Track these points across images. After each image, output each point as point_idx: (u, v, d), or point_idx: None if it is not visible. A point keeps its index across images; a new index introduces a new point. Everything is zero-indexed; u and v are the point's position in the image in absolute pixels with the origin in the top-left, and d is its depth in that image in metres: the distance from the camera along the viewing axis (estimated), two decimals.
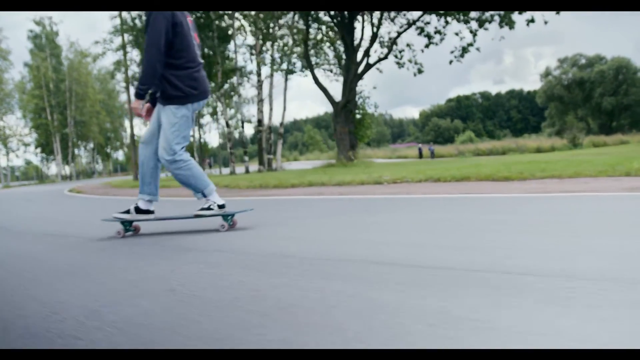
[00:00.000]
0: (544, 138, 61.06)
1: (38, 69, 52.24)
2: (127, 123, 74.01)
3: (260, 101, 23.16)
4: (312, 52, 21.32)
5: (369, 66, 18.05)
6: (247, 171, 23.53)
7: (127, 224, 4.08)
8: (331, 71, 22.53)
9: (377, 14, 17.46)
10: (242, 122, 23.88)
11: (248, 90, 33.43)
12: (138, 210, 4.05)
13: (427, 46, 18.11)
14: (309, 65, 19.03)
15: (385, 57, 18.04)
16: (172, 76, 3.74)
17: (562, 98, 68.05)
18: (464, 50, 17.05)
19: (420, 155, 45.54)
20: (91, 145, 63.06)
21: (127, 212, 4.04)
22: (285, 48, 21.41)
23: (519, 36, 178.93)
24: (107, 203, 10.62)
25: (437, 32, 17.88)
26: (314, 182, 10.04)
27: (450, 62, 17.55)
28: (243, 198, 8.82)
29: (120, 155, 72.40)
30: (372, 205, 5.69)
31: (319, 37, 20.77)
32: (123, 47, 24.13)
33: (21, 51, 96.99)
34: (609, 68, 64.91)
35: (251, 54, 24.28)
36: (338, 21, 18.32)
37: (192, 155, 23.73)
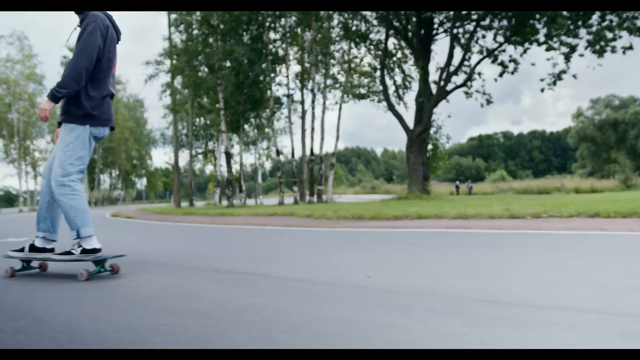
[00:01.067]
0: (577, 179, 59.65)
1: None
2: (153, 150, 74.17)
3: (312, 129, 22.26)
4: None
5: (445, 93, 17.02)
6: (296, 202, 22.45)
7: (25, 263, 3.82)
8: (400, 97, 21.52)
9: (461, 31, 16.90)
10: (292, 150, 22.88)
11: (281, 120, 32.82)
12: (33, 248, 3.79)
13: (501, 75, 17.11)
14: (384, 90, 18.07)
15: (464, 84, 17.01)
16: (82, 93, 3.53)
17: (595, 139, 66.80)
18: (558, 77, 15.99)
19: (457, 193, 44.32)
20: (116, 171, 62.69)
21: (22, 250, 3.80)
22: (355, 71, 20.41)
23: (538, 77, 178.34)
24: (183, 230, 9.61)
25: (512, 60, 16.90)
26: (423, 214, 8.87)
27: (542, 90, 16.47)
28: (361, 229, 7.69)
29: (142, 183, 71.98)
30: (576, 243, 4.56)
31: (395, 58, 19.86)
32: (172, 71, 23.49)
33: (54, 77, 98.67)
34: None
35: (302, 79, 23.53)
36: (415, 43, 17.42)
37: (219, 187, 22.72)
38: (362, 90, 24.65)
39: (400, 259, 4.00)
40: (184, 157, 48.66)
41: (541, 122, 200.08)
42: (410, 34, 18.10)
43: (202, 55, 21.62)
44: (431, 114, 16.96)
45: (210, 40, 21.74)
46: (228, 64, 21.45)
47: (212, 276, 3.37)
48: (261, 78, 22.54)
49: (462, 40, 17.36)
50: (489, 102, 17.86)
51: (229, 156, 22.61)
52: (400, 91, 21.49)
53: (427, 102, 16.87)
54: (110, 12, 3.79)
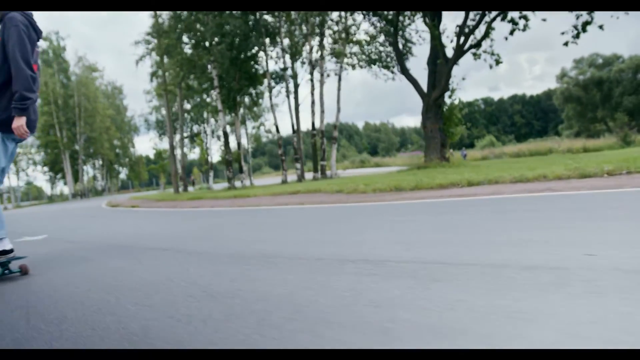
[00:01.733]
0: (566, 140, 59.75)
1: (46, 85, 50.36)
2: (135, 138, 71.61)
3: (312, 102, 21.32)
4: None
5: (462, 52, 16.10)
6: (299, 179, 21.65)
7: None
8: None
9: None
10: (293, 126, 21.91)
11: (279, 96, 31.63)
12: None
13: (511, 33, 16.27)
14: (397, 55, 17.06)
15: (479, 44, 16.10)
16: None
17: (580, 99, 66.68)
18: (583, 28, 15.17)
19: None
20: (99, 162, 61.04)
21: None
22: (367, 39, 19.28)
23: (512, 43, 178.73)
24: (187, 215, 8.84)
25: (523, 16, 16.06)
26: (473, 181, 8.16)
27: (566, 43, 15.64)
28: (414, 201, 6.98)
29: (125, 172, 70.28)
30: None
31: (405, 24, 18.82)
32: (164, 49, 22.25)
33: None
34: (628, 67, 63.64)
35: (293, 52, 22.49)
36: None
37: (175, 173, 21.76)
38: (355, 59, 23.60)
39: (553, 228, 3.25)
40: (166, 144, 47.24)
41: (518, 86, 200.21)
42: None
43: (192, 32, 20.44)
44: (449, 76, 16.09)
45: (200, 15, 20.56)
46: (218, 39, 20.34)
47: (367, 269, 2.60)
48: (254, 52, 21.51)
49: None
50: (497, 62, 17.09)
51: (226, 136, 21.62)
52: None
53: (445, 63, 16.00)
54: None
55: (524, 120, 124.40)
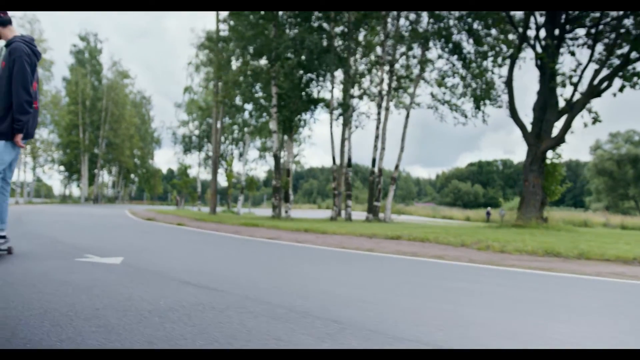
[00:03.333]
0: (594, 213, 57.92)
1: (77, 84, 49.24)
2: (156, 150, 70.11)
3: (376, 137, 19.54)
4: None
5: (589, 98, 14.15)
6: (349, 218, 19.73)
7: None
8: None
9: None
10: (350, 159, 20.10)
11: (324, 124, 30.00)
12: None
13: (621, 90, 14.49)
14: (510, 95, 15.16)
15: (609, 85, 14.17)
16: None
17: (612, 174, 65.08)
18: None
19: (488, 220, 41.72)
20: (116, 169, 59.42)
21: None
22: (483, 67, 17.52)
23: (523, 103, 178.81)
24: (286, 250, 7.00)
25: (636, 74, 14.31)
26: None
27: (622, 88, 13.87)
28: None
29: (137, 183, 68.49)
30: None
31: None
32: (218, 60, 20.66)
33: (62, 64, 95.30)
34: None
35: (353, 82, 20.90)
36: (548, 42, 14.66)
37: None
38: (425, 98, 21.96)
39: None
40: (190, 160, 45.59)
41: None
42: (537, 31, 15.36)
43: (257, 42, 18.83)
44: (569, 125, 14.19)
45: (267, 28, 19.02)
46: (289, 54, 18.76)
47: None
48: (321, 74, 19.92)
49: (605, 40, 14.75)
50: (595, 120, 15.31)
51: (277, 160, 19.79)
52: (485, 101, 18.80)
53: (569, 109, 14.14)
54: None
55: None
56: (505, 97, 17.74)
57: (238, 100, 27.33)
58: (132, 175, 63.77)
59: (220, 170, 45.78)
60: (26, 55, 4.23)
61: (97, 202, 52.83)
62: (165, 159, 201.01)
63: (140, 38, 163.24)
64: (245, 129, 31.60)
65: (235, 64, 22.73)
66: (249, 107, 28.85)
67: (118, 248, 5.72)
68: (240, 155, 40.48)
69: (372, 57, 20.86)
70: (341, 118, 20.33)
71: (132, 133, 54.95)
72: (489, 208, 47.49)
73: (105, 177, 60.44)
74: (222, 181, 40.23)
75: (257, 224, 13.26)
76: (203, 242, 7.81)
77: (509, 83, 15.32)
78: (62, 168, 53.54)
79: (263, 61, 20.18)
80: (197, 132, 44.91)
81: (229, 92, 22.37)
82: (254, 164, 42.15)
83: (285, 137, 22.46)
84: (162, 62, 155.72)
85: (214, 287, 3.23)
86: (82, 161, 50.56)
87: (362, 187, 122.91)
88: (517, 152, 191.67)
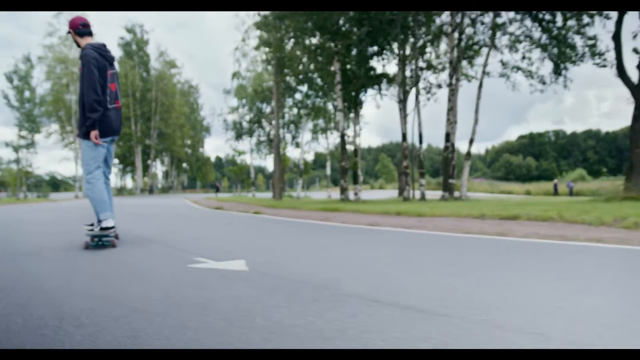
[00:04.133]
0: None
1: (126, 76, 49.48)
2: (208, 139, 70.27)
3: (449, 110, 18.28)
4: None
5: None
6: (422, 198, 18.66)
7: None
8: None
9: None
10: (420, 136, 18.94)
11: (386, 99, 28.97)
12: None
13: None
14: (618, 52, 13.62)
15: None
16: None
17: None
18: None
19: (556, 192, 39.75)
20: (168, 159, 59.86)
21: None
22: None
23: (581, 77, 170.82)
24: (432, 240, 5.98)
25: None
26: None
27: None
28: None
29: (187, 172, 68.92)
30: None
31: None
32: (275, 35, 19.66)
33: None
34: None
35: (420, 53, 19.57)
36: None
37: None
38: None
39: None
40: (242, 146, 45.17)
41: (584, 122, 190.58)
42: None
43: (317, 18, 17.75)
44: None
45: None
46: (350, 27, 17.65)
47: None
48: (386, 48, 18.75)
49: None
50: None
51: (344, 139, 18.83)
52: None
53: None
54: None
55: (597, 156, 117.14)
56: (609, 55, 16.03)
57: (291, 81, 26.49)
58: (184, 165, 64.12)
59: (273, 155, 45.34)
60: (93, 59, 4.62)
61: (152, 193, 53.39)
62: (212, 146, 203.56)
63: (181, 29, 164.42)
64: (302, 111, 30.70)
65: (289, 44, 21.84)
66: (302, 88, 28.03)
67: (225, 247, 4.86)
68: (293, 138, 39.75)
69: (437, 23, 19.43)
70: (401, 94, 19.11)
71: (182, 122, 55.07)
72: (555, 180, 45.16)
73: (159, 167, 61.05)
74: (270, 166, 39.66)
75: (338, 209, 12.32)
76: (311, 234, 6.92)
77: (616, 37, 13.72)
78: (116, 160, 54.26)
79: (316, 40, 19.08)
80: (247, 117, 44.33)
81: (294, 69, 21.41)
82: (307, 146, 41.33)
83: (352, 114, 21.46)
84: (203, 51, 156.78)
85: (427, 309, 2.28)
86: (135, 153, 51.04)
87: (412, 166, 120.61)
88: (566, 122, 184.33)
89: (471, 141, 19.02)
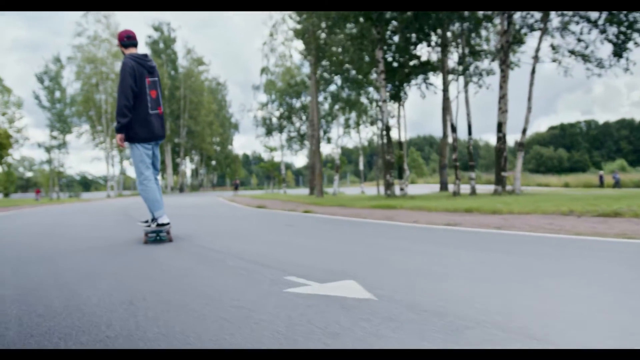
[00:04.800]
0: None
1: None
2: (235, 136, 69.64)
3: (502, 98, 17.18)
4: None
5: None
6: (473, 192, 17.64)
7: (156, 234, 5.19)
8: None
9: None
10: (469, 126, 17.90)
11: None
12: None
13: None
14: None
15: None
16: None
17: None
18: None
19: (602, 184, 38.11)
20: (198, 157, 59.56)
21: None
22: None
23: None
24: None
25: None
26: None
27: None
28: None
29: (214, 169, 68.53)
30: None
31: None
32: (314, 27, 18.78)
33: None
34: None
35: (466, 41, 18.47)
36: None
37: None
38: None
39: None
40: (273, 141, 44.45)
41: (614, 112, 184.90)
42: None
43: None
44: None
45: None
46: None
47: None
48: (430, 34, 17.73)
49: None
50: None
51: (388, 131, 17.88)
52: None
53: None
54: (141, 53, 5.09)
55: (631, 146, 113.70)
56: None
57: (326, 74, 25.64)
58: (213, 162, 63.80)
59: (305, 151, 44.55)
60: (129, 67, 4.87)
61: (182, 191, 53.18)
62: (239, 143, 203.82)
63: (204, 28, 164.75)
64: (336, 106, 29.79)
65: (324, 34, 21.02)
66: (337, 81, 27.14)
67: (311, 260, 3.82)
68: (324, 133, 38.84)
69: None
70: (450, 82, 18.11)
71: (211, 120, 54.67)
72: (601, 172, 43.27)
73: (189, 165, 60.82)
74: (299, 162, 38.90)
75: (394, 206, 11.39)
76: (403, 239, 6.06)
77: None
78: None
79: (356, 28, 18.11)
80: (277, 113, 43.60)
81: (331, 61, 20.52)
82: (339, 141, 40.42)
83: (396, 105, 20.49)
84: (226, 49, 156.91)
85: None
86: (165, 151, 50.83)
87: (439, 159, 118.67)
88: (595, 112, 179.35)
89: (524, 131, 17.88)
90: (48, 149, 43.35)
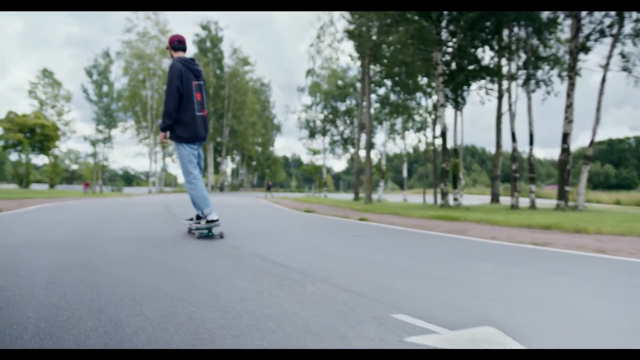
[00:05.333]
0: None
1: None
2: (277, 137, 69.69)
3: (569, 107, 16.13)
4: None
5: None
6: (532, 206, 16.63)
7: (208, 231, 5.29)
8: None
9: None
10: (531, 136, 16.88)
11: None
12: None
13: None
14: None
15: None
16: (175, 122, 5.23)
17: None
18: None
19: None
20: (239, 157, 59.60)
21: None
22: None
23: None
24: None
25: None
26: None
27: None
28: None
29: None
30: None
31: None
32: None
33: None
34: None
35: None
36: None
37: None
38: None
39: None
40: (315, 145, 43.85)
41: None
42: None
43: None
44: None
45: None
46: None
47: None
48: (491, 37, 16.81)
49: None
50: None
51: (445, 138, 17.03)
52: None
53: None
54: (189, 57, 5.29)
55: None
56: None
57: (377, 77, 24.95)
58: (254, 163, 63.78)
59: (347, 155, 43.92)
60: (177, 70, 5.07)
61: (222, 191, 53.22)
62: (280, 145, 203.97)
63: (251, 29, 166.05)
64: (384, 110, 28.98)
65: (376, 34, 20.31)
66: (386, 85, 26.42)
67: (420, 290, 2.93)
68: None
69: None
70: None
71: (254, 120, 54.58)
72: None
73: (230, 165, 60.93)
74: (337, 166, 38.17)
75: (456, 218, 10.50)
76: (519, 267, 5.30)
77: None
78: None
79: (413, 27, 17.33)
80: (321, 116, 43.07)
81: (383, 63, 19.82)
82: (382, 147, 39.59)
83: (453, 111, 19.60)
84: (270, 50, 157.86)
85: None
86: (207, 150, 50.94)
87: (480, 169, 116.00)
88: None
89: (591, 143, 16.78)
90: (93, 143, 43.90)
